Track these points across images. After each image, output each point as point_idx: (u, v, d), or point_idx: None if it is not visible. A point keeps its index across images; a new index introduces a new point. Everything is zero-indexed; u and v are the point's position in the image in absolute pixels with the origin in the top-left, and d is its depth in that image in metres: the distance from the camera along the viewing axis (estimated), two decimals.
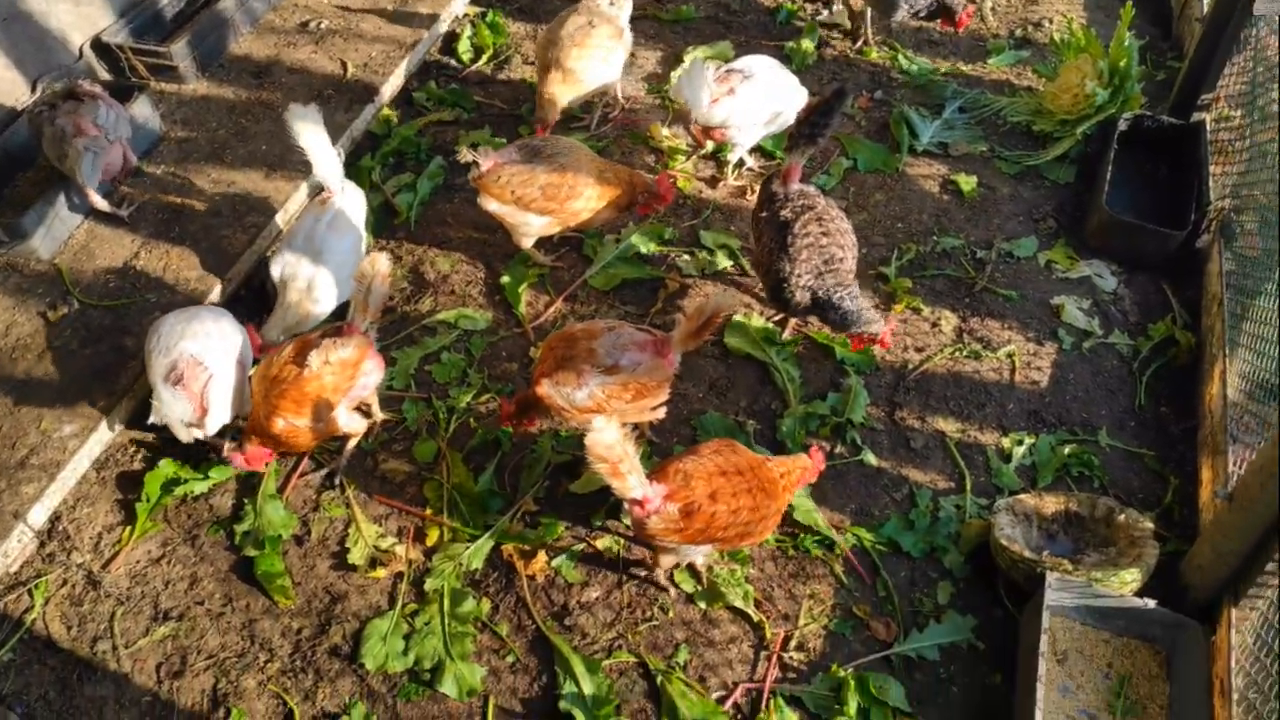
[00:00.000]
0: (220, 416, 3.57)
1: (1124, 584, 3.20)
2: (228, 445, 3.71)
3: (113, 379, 3.95)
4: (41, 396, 3.90)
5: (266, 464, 3.68)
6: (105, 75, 5.26)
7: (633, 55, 5.93)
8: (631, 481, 3.01)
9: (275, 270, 4.02)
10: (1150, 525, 3.38)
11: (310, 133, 3.95)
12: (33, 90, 4.93)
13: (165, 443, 3.85)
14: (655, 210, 4.58)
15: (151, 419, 3.58)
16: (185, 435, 3.58)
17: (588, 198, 4.32)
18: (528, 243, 4.50)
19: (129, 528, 3.68)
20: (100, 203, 4.48)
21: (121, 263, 4.41)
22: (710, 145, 5.24)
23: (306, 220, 4.11)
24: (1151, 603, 3.15)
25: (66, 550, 3.65)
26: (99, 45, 5.22)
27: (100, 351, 4.05)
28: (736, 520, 3.13)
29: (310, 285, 3.97)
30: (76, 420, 3.82)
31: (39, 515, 3.64)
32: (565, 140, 4.48)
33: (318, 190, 4.24)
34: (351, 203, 4.23)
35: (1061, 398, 4.08)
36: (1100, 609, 3.22)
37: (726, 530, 3.14)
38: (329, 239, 4.04)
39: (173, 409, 3.47)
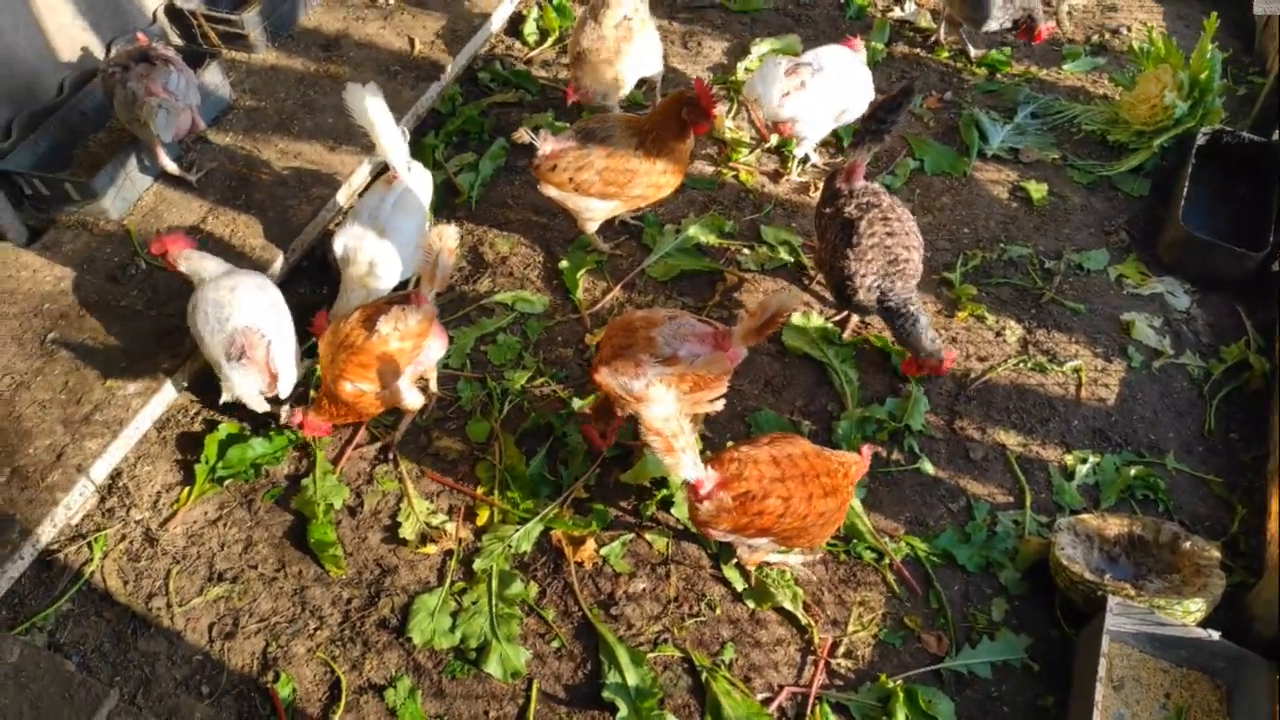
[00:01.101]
0: (289, 377, 3.65)
1: (1188, 613, 3.13)
2: (284, 412, 3.75)
3: (177, 341, 3.99)
4: (107, 355, 3.96)
5: (320, 437, 3.71)
6: (177, 40, 5.31)
7: (699, 44, 5.89)
8: (686, 461, 2.97)
9: (338, 246, 4.02)
10: (1217, 554, 3.29)
11: (374, 111, 3.90)
12: (107, 52, 4.99)
13: (226, 409, 3.90)
14: (708, 122, 4.12)
15: (224, 399, 3.62)
16: (259, 405, 3.64)
17: (647, 178, 4.24)
18: (592, 227, 4.47)
19: (187, 488, 3.73)
20: (170, 166, 4.52)
21: (189, 227, 4.45)
22: (774, 139, 5.19)
23: (372, 199, 4.11)
24: (1215, 634, 3.07)
25: (126, 506, 3.70)
26: (172, 10, 5.26)
27: (166, 314, 4.10)
28: (791, 512, 3.09)
29: (373, 263, 3.97)
30: (140, 379, 3.87)
31: (101, 470, 3.70)
32: (614, 117, 4.41)
33: (382, 169, 4.23)
34: (418, 183, 4.23)
35: (1128, 417, 3.99)
36: (1161, 637, 3.14)
37: (781, 522, 3.10)
38: (394, 218, 4.04)
39: (243, 384, 3.53)
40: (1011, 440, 3.92)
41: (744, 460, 3.11)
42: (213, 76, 4.89)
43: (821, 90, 4.56)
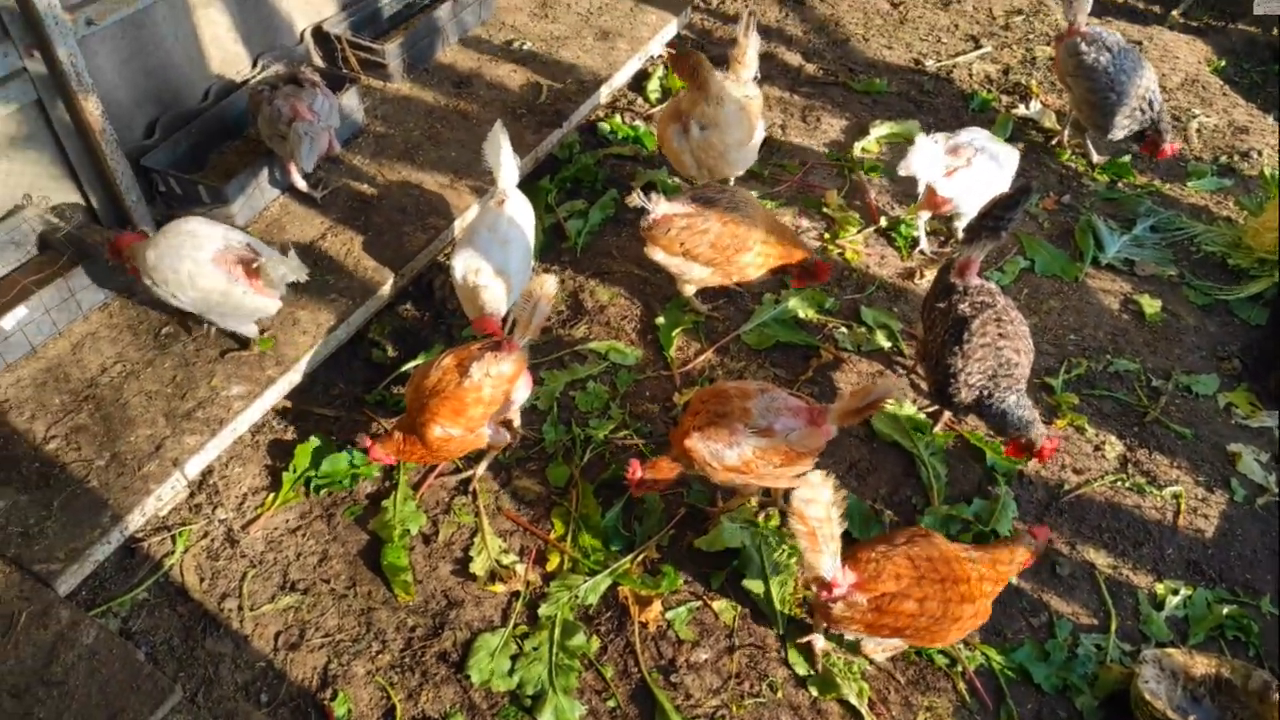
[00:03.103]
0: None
1: None
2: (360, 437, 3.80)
3: (283, 350, 4.11)
4: (216, 354, 4.09)
5: (390, 464, 3.75)
6: (320, 62, 5.55)
7: (817, 119, 5.93)
8: (826, 556, 2.94)
9: (460, 265, 4.03)
10: None
11: (500, 137, 4.21)
12: (254, 66, 5.24)
13: (318, 420, 3.99)
14: (808, 285, 4.58)
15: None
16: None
17: (755, 255, 4.30)
18: (690, 290, 4.50)
19: (273, 494, 3.81)
20: (300, 182, 4.70)
21: (309, 241, 4.61)
22: (883, 221, 5.19)
23: (488, 217, 4.21)
24: None
25: (213, 505, 3.80)
26: (319, 33, 5.51)
27: (276, 323, 4.22)
28: (926, 616, 3.04)
29: (489, 276, 4.01)
30: (245, 383, 3.99)
31: (195, 466, 3.80)
32: (743, 192, 4.47)
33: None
34: (523, 203, 4.36)
35: (1225, 552, 3.82)
36: None
37: (914, 624, 3.05)
38: (511, 232, 4.14)
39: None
40: (1101, 560, 3.79)
41: (881, 560, 3.05)
42: (349, 100, 5.09)
43: (986, 169, 4.58)
